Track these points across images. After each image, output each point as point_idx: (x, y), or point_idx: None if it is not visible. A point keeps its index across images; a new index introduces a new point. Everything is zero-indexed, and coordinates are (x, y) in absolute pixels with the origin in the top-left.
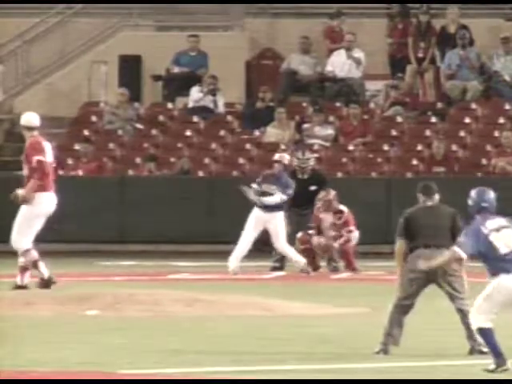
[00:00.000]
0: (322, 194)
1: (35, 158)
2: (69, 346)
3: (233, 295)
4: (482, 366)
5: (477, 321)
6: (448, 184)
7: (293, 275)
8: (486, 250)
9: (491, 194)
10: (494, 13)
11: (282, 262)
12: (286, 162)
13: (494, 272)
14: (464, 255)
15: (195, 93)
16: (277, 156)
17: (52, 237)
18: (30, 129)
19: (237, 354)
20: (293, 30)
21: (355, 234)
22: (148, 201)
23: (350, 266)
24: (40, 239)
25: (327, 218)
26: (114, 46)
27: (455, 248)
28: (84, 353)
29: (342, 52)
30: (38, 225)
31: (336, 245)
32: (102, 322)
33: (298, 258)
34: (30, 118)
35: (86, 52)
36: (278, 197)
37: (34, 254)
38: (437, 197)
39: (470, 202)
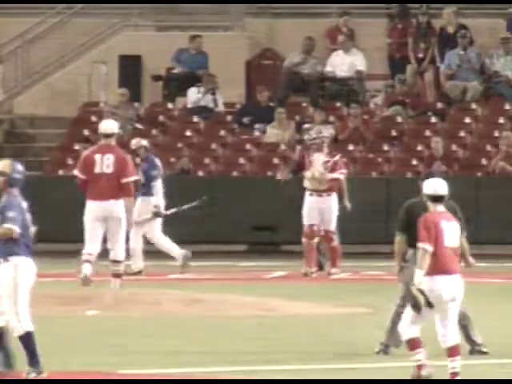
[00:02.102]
0: (314, 132)
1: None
2: (69, 346)
3: (233, 295)
4: (482, 366)
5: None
6: (448, 184)
7: (293, 275)
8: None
9: (21, 167)
10: (494, 13)
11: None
12: (145, 144)
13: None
14: (18, 230)
15: (193, 94)
16: (133, 142)
17: (53, 237)
18: (106, 136)
19: (237, 354)
20: (293, 30)
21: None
22: None
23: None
24: (41, 239)
25: (318, 158)
26: (113, 46)
27: (7, 225)
28: (84, 353)
29: (341, 52)
30: (88, 231)
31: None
32: (103, 322)
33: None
34: (105, 126)
35: (86, 52)
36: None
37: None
38: None
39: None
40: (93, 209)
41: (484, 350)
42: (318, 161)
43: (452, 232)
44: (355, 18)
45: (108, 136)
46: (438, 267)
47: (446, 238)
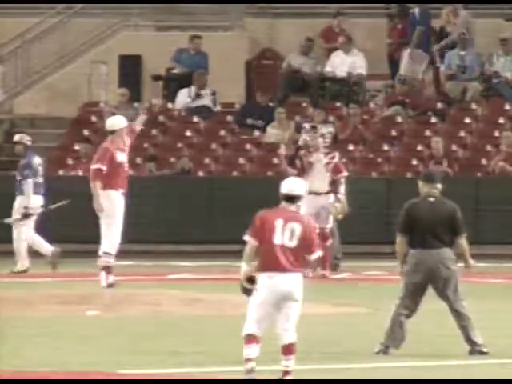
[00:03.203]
0: (307, 132)
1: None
2: (69, 346)
3: (233, 295)
4: (481, 366)
5: None
6: (448, 184)
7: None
8: None
9: None
10: (494, 13)
11: (337, 259)
12: (27, 142)
13: None
14: None
15: (183, 96)
16: (16, 137)
17: (53, 237)
18: (110, 132)
19: (237, 354)
20: (293, 30)
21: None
22: (148, 201)
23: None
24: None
25: (319, 160)
26: (114, 46)
27: None
28: (84, 353)
29: (341, 53)
30: None
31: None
32: (103, 322)
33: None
34: (107, 123)
35: (86, 52)
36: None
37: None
38: (439, 186)
39: None
40: None
41: (484, 350)
42: (319, 163)
43: (289, 232)
44: (355, 18)
45: (110, 133)
46: (266, 264)
47: (277, 236)
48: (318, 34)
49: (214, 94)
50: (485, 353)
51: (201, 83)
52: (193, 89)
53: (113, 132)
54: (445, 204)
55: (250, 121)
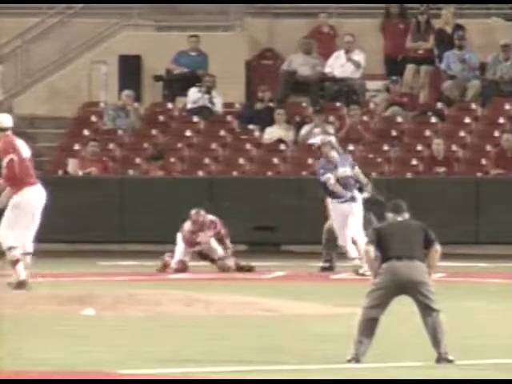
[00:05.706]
0: (192, 214)
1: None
2: (69, 346)
3: (233, 295)
4: (481, 365)
5: None
6: (448, 184)
7: (293, 275)
8: None
9: None
10: (492, 13)
11: (331, 262)
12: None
13: None
14: None
15: (193, 93)
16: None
17: (53, 237)
18: (2, 130)
19: (237, 354)
20: (293, 30)
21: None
22: (148, 201)
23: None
24: (41, 239)
25: (206, 236)
26: (114, 46)
27: None
28: (84, 353)
29: (342, 53)
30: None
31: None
32: (102, 322)
33: None
34: (1, 119)
35: (86, 52)
36: None
37: (16, 253)
38: (406, 215)
39: None
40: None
41: (450, 358)
42: (207, 237)
43: None
44: (355, 18)
45: (3, 130)
46: None
47: None
48: (308, 34)
49: (209, 92)
50: (451, 361)
51: (209, 84)
52: (203, 88)
53: (7, 129)
54: (414, 222)
55: (251, 126)
